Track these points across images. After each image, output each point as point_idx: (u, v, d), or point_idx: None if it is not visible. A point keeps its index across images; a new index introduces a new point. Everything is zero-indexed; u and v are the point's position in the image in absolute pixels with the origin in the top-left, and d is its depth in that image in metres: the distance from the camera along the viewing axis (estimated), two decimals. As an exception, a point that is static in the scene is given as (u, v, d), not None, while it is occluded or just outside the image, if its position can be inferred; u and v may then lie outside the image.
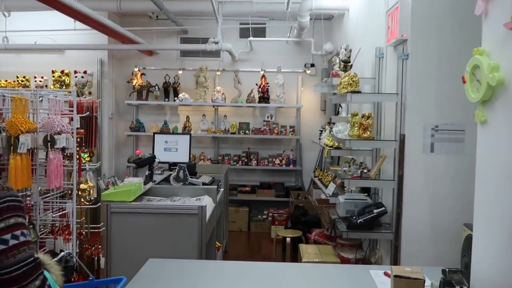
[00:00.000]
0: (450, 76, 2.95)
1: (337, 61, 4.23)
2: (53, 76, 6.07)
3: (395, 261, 3.15)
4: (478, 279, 2.08)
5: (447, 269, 1.85)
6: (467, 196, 2.22)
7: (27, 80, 6.08)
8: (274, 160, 6.70)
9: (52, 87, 6.02)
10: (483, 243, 2.07)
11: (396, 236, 3.16)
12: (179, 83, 6.61)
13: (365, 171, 3.50)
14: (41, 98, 2.41)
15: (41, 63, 6.16)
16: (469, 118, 2.19)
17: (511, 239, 1.88)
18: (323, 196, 4.63)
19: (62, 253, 1.56)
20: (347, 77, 3.34)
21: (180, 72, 6.62)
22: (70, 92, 2.52)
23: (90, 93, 6.12)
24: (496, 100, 1.96)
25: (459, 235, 2.77)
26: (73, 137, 2.41)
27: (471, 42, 2.16)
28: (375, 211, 3.27)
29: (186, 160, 4.63)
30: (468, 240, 2.29)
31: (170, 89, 6.59)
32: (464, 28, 2.92)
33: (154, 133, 4.97)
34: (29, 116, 2.36)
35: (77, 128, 2.47)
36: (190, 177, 3.99)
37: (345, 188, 3.86)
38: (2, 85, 5.96)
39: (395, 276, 1.81)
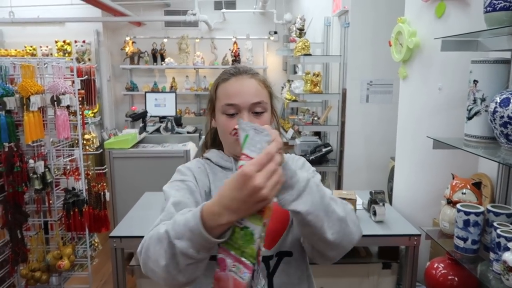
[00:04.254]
0: (381, 40, 2.96)
1: (294, 29, 4.19)
2: (57, 46, 5.80)
3: (338, 187, 3.31)
4: (397, 196, 2.23)
5: (373, 191, 1.96)
6: (393, 136, 2.31)
7: (34, 49, 5.78)
8: (245, 112, 6.71)
9: (56, 54, 5.76)
10: (402, 170, 2.21)
11: (339, 168, 3.30)
12: (165, 50, 6.43)
13: (315, 118, 3.58)
14: (46, 65, 2.34)
15: (45, 35, 5.83)
16: (396, 74, 2.25)
17: (420, 167, 2.02)
18: (284, 140, 4.73)
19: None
20: (301, 43, 3.33)
21: (165, 40, 6.42)
22: (71, 59, 2.45)
23: (89, 59, 5.89)
24: (414, 60, 2.03)
25: (386, 166, 2.92)
26: (75, 96, 2.37)
27: (398, 13, 2.19)
28: (323, 149, 3.38)
29: (173, 113, 4.61)
30: (393, 170, 2.42)
31: (157, 55, 6.42)
32: (393, 1, 2.93)
33: (146, 92, 4.90)
34: (37, 80, 2.29)
35: (78, 89, 2.43)
36: (177, 127, 4.01)
37: (301, 133, 3.95)
38: (13, 54, 5.67)
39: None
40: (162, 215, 0.87)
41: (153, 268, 0.77)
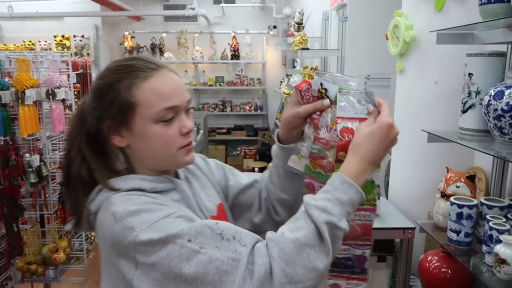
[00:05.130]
0: (379, 34, 2.92)
1: (292, 23, 4.17)
2: (55, 40, 5.79)
3: (336, 182, 3.29)
4: (394, 190, 2.23)
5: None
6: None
7: (33, 44, 5.77)
8: (245, 106, 6.72)
9: (55, 49, 5.75)
10: (398, 165, 2.20)
11: (337, 163, 3.29)
12: (164, 44, 6.42)
13: (314, 113, 3.57)
14: (41, 59, 2.34)
15: (43, 29, 5.82)
16: (394, 68, 2.24)
17: (416, 161, 2.01)
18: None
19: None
20: (298, 37, 3.32)
21: (164, 35, 6.41)
22: (66, 54, 2.44)
23: (88, 54, 5.89)
24: (410, 53, 2.01)
25: (383, 160, 2.91)
26: (70, 90, 2.37)
27: (396, 6, 2.17)
28: (321, 144, 3.37)
29: (172, 108, 4.60)
30: (390, 164, 2.41)
31: (156, 50, 6.42)
32: (391, -6, 2.91)
33: (144, 87, 4.88)
34: (32, 74, 2.29)
35: (74, 83, 2.43)
36: (175, 122, 4.00)
37: (299, 127, 3.94)
38: (11, 48, 5.65)
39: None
40: (242, 242, 0.68)
41: (305, 281, 0.65)
